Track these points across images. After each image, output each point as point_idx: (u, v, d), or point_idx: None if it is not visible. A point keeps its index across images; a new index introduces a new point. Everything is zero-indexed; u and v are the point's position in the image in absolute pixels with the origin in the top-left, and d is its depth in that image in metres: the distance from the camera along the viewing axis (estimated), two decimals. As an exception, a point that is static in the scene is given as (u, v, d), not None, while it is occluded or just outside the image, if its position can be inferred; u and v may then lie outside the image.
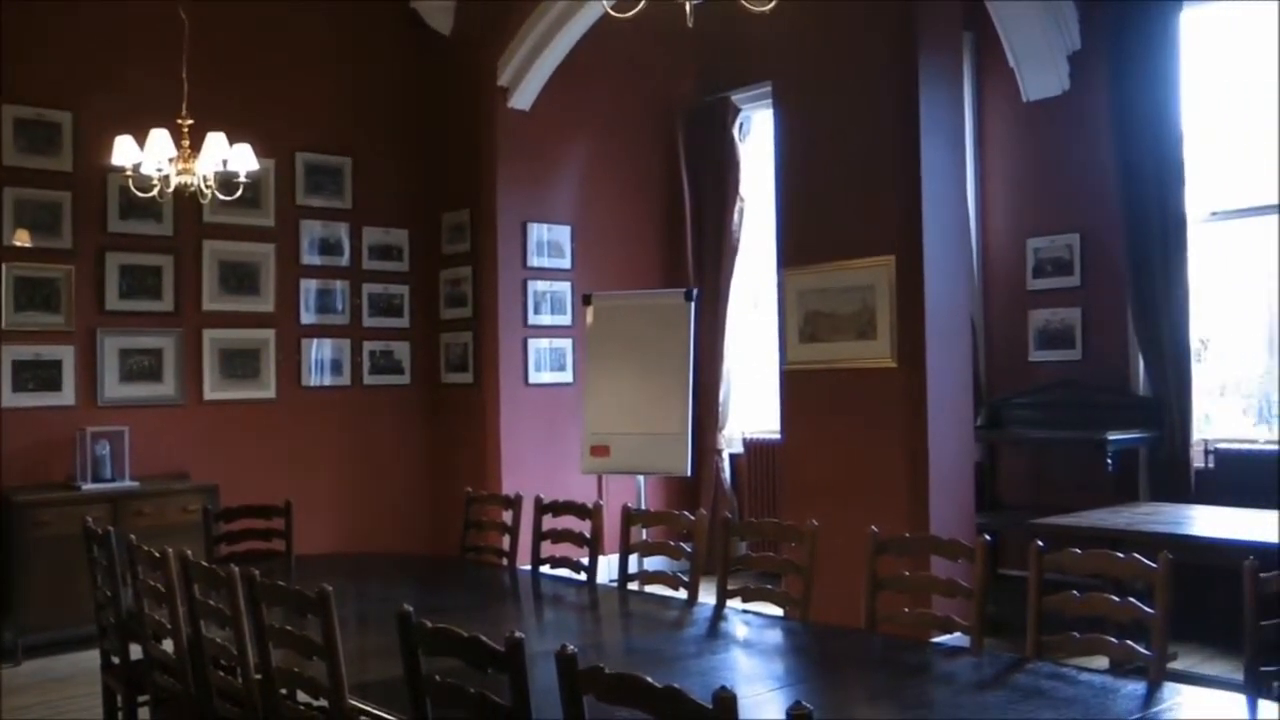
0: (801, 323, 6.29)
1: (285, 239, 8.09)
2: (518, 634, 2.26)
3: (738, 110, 8.84)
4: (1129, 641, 3.05)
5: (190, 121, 5.97)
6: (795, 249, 6.38)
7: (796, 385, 6.37)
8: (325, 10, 8.27)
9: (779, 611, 4.20)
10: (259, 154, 6.18)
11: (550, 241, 8.53)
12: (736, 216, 8.80)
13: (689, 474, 7.73)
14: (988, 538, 3.56)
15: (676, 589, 4.25)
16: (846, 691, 3.08)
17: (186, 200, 6.33)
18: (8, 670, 6.24)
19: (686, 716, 1.92)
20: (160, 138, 5.78)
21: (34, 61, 7.04)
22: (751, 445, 8.88)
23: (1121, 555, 3.28)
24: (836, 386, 6.12)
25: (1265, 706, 2.71)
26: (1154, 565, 3.02)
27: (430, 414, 8.76)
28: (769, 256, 7.17)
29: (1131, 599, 3.08)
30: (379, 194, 8.55)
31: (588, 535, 4.60)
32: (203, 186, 5.99)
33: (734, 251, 8.80)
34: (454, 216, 8.61)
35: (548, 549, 4.73)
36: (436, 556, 6.77)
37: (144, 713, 4.10)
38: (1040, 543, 3.27)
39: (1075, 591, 3.18)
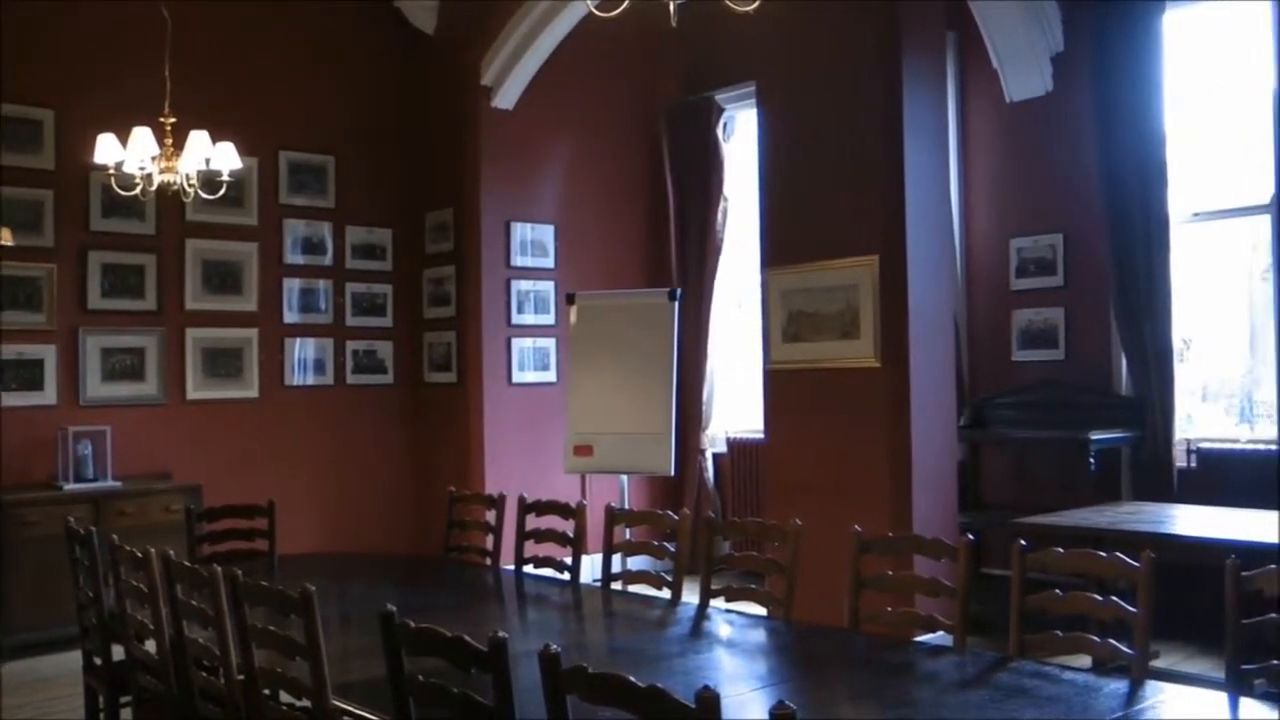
0: (785, 322, 6.30)
1: (268, 238, 8.06)
2: (501, 634, 2.26)
3: (721, 110, 8.83)
4: (1111, 640, 3.07)
5: (173, 120, 5.96)
6: (778, 248, 6.39)
7: (780, 385, 6.38)
8: (308, 9, 8.24)
9: (762, 611, 4.20)
10: (242, 152, 6.18)
11: (534, 241, 8.52)
12: (720, 216, 8.79)
13: (672, 473, 7.72)
14: (971, 537, 3.56)
15: (660, 589, 4.25)
16: (830, 691, 3.08)
17: (169, 199, 6.32)
18: (-10, 672, 6.20)
19: (670, 716, 1.92)
20: (143, 136, 5.76)
21: (16, 60, 6.99)
22: (735, 445, 8.88)
23: (1104, 554, 3.29)
24: (819, 386, 6.13)
25: (1247, 704, 2.73)
26: (1136, 564, 3.04)
27: (413, 413, 8.74)
28: (753, 256, 7.18)
29: (1114, 598, 3.10)
30: (362, 193, 8.53)
31: (571, 535, 4.60)
32: (185, 185, 5.97)
33: (717, 251, 8.80)
34: (437, 216, 8.59)
35: (531, 549, 4.73)
36: (420, 556, 6.77)
37: (126, 714, 4.07)
38: (1023, 542, 3.28)
39: (1058, 590, 3.19)
